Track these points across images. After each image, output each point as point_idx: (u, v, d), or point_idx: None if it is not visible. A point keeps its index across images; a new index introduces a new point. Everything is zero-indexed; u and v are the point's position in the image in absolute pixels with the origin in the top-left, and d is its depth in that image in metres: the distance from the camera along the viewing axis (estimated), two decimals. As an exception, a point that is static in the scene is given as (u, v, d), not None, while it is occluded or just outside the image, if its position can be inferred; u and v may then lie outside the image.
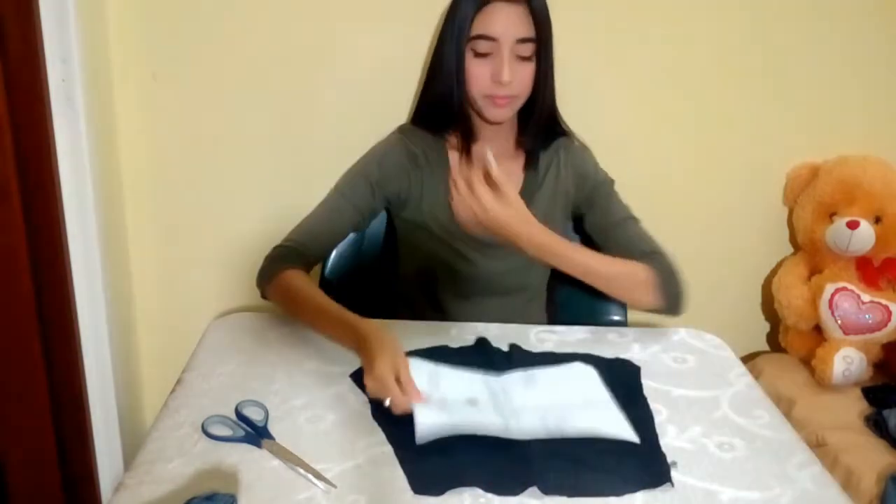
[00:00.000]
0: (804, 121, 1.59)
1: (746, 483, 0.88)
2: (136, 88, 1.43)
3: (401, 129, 1.30)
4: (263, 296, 1.18)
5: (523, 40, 1.13)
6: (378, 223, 1.43)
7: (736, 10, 1.48)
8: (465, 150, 1.24)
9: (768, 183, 1.65)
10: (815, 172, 1.59)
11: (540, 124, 1.25)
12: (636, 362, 1.12)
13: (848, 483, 1.29)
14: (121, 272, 1.52)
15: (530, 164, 1.28)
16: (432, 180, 1.26)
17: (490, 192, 1.05)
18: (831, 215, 1.57)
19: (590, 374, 1.05)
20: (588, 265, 1.15)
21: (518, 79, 1.15)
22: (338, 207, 1.25)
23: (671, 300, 1.17)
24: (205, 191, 1.52)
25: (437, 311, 1.31)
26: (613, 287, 1.18)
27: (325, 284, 1.41)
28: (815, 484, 0.88)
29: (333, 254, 1.42)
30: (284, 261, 1.17)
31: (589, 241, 1.33)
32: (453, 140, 1.27)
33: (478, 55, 1.14)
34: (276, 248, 1.21)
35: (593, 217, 1.29)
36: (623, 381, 1.05)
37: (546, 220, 1.27)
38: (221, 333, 1.15)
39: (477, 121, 1.23)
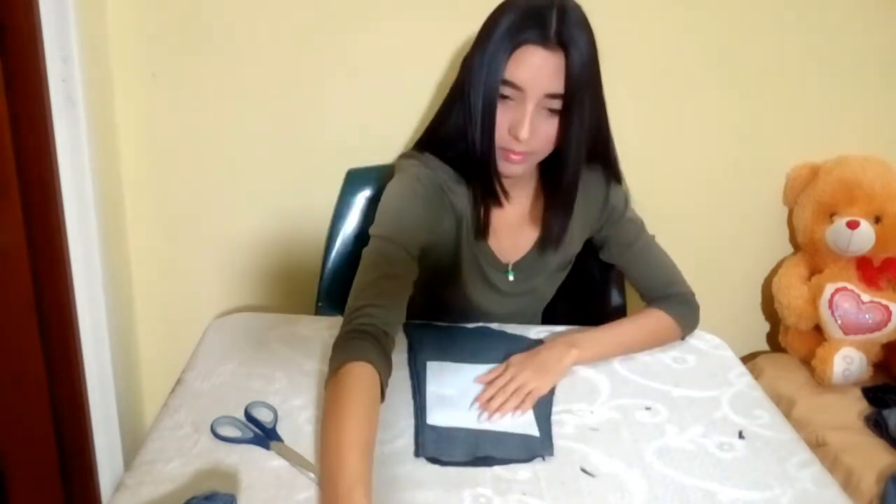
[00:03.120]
0: (804, 121, 1.59)
1: (746, 483, 0.88)
2: (136, 88, 1.43)
3: (426, 164, 1.10)
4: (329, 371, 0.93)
5: (553, 95, 0.99)
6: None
7: (736, 9, 1.48)
8: (487, 194, 1.09)
9: (768, 183, 1.65)
10: (815, 172, 1.59)
11: (568, 193, 1.09)
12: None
13: (848, 483, 1.29)
14: (121, 272, 1.52)
15: (557, 212, 1.14)
16: (469, 232, 1.13)
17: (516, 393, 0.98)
18: (831, 215, 1.57)
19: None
20: (616, 349, 1.13)
21: (540, 136, 1.01)
22: (394, 265, 1.01)
23: (689, 332, 1.21)
24: (205, 191, 1.52)
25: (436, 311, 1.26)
26: (650, 346, 1.17)
27: (325, 288, 1.42)
28: (815, 484, 0.88)
29: (333, 254, 1.42)
30: (355, 352, 0.90)
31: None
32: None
33: (500, 99, 0.99)
34: (351, 322, 0.94)
35: (609, 248, 1.24)
36: None
37: (568, 253, 1.23)
38: (221, 333, 1.15)
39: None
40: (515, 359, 1.06)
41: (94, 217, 1.36)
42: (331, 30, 1.42)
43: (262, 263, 1.58)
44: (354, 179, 1.44)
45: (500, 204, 1.11)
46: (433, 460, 0.88)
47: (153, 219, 1.53)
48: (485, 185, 1.08)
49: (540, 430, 0.95)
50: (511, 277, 1.20)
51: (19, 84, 1.25)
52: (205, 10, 1.39)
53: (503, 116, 1.01)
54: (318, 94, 1.46)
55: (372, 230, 1.05)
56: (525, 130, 0.99)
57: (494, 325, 1.20)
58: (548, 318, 1.35)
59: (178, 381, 1.01)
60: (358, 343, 0.91)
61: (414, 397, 1.00)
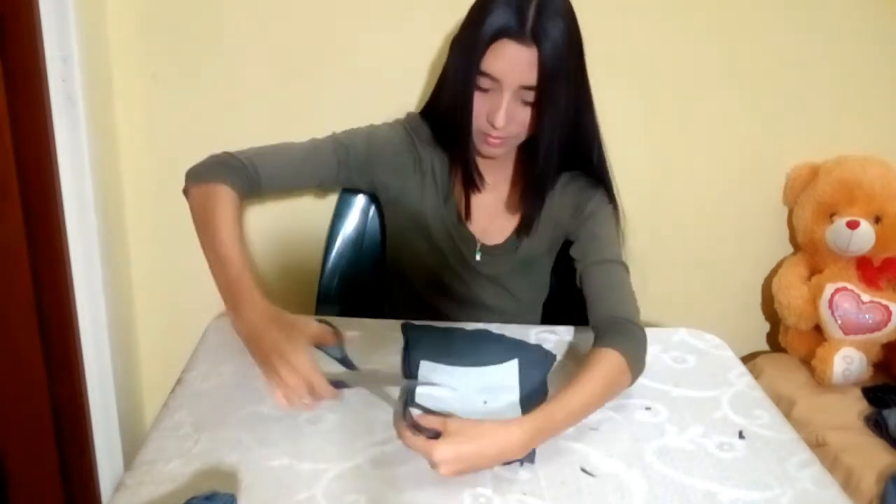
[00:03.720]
0: (804, 121, 1.59)
1: (746, 483, 0.88)
2: (136, 88, 1.43)
3: (409, 123, 1.22)
4: (184, 191, 1.11)
5: (527, 87, 1.03)
6: (378, 223, 1.43)
7: (736, 8, 1.48)
8: (466, 180, 1.17)
9: (768, 183, 1.65)
10: (815, 172, 1.59)
11: (543, 176, 1.14)
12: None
13: (848, 483, 1.29)
14: (121, 272, 1.52)
15: (529, 197, 1.18)
16: (436, 194, 1.21)
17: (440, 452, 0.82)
18: (831, 215, 1.57)
19: (511, 368, 1.07)
20: (586, 408, 0.96)
21: (516, 122, 1.07)
22: (322, 146, 1.16)
23: (636, 375, 1.03)
24: (205, 191, 1.52)
25: (423, 311, 1.28)
26: (607, 401, 1.00)
27: (325, 288, 1.42)
28: (815, 484, 0.88)
29: (333, 254, 1.42)
30: (227, 174, 1.07)
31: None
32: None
33: (479, 89, 1.05)
34: (225, 153, 1.11)
35: (578, 246, 1.18)
36: (533, 369, 1.06)
37: (534, 250, 1.24)
38: (221, 333, 1.15)
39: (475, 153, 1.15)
40: (454, 428, 0.84)
41: (94, 217, 1.36)
42: (331, 29, 1.42)
43: (262, 263, 1.58)
44: (354, 179, 1.44)
45: (476, 188, 1.17)
46: None
47: (153, 219, 1.53)
48: (463, 171, 1.16)
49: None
50: (478, 257, 1.23)
51: (19, 84, 1.25)
52: (205, 10, 1.39)
53: (483, 104, 1.06)
54: (318, 94, 1.46)
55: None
56: (500, 118, 1.04)
57: (494, 328, 1.19)
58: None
59: (178, 381, 1.01)
60: (224, 168, 1.08)
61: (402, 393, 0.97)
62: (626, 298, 1.10)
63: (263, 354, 0.90)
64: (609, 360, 0.98)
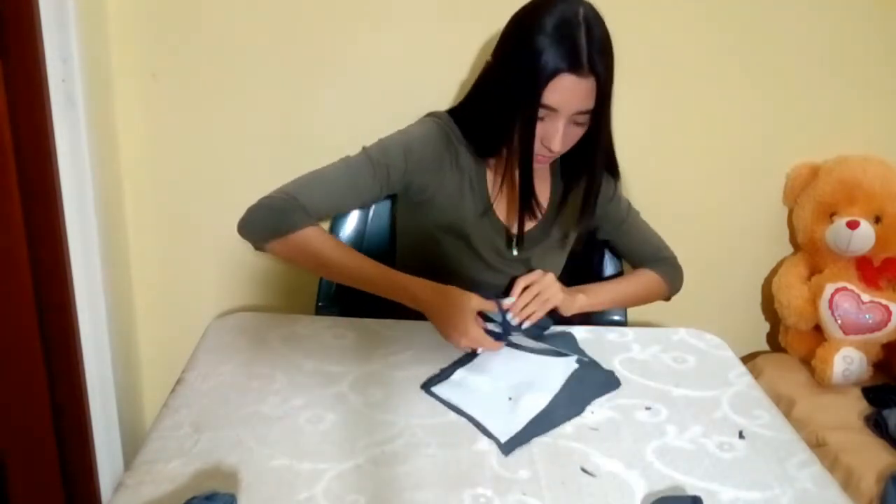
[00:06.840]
0: (804, 121, 1.59)
1: (746, 483, 0.88)
2: (136, 88, 1.43)
3: (440, 120, 1.21)
4: (260, 247, 1.14)
5: (581, 112, 1.08)
6: (380, 218, 1.43)
7: (736, 9, 1.48)
8: (523, 206, 1.18)
9: (768, 183, 1.65)
10: (815, 172, 1.59)
11: (599, 182, 1.21)
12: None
13: (848, 483, 1.29)
14: (121, 272, 1.52)
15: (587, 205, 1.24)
16: (472, 196, 1.22)
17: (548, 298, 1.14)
18: (831, 215, 1.57)
19: (567, 366, 1.09)
20: (615, 301, 1.30)
21: (566, 142, 1.12)
22: (360, 171, 1.16)
23: (675, 291, 1.38)
24: (205, 190, 1.52)
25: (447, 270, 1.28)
26: (638, 303, 1.35)
27: (325, 288, 1.42)
28: (815, 484, 0.88)
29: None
30: (293, 217, 1.11)
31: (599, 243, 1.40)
32: (491, 162, 1.23)
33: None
34: (269, 198, 1.14)
35: (604, 226, 1.35)
36: (584, 385, 1.06)
37: (568, 232, 1.30)
38: (221, 333, 1.15)
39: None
40: (537, 273, 1.16)
41: (94, 217, 1.36)
42: (331, 31, 1.42)
43: (263, 263, 1.58)
44: (354, 179, 1.44)
45: (534, 216, 1.21)
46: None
47: (153, 219, 1.53)
48: (522, 197, 1.16)
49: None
50: (515, 252, 1.26)
51: (19, 84, 1.25)
52: (205, 11, 1.39)
53: (538, 130, 1.09)
54: (317, 95, 1.46)
55: (365, 147, 1.20)
56: (557, 143, 1.09)
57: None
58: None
59: (179, 381, 1.01)
60: (286, 213, 1.12)
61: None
62: (654, 238, 1.37)
63: (441, 326, 1.10)
64: (642, 273, 1.34)
